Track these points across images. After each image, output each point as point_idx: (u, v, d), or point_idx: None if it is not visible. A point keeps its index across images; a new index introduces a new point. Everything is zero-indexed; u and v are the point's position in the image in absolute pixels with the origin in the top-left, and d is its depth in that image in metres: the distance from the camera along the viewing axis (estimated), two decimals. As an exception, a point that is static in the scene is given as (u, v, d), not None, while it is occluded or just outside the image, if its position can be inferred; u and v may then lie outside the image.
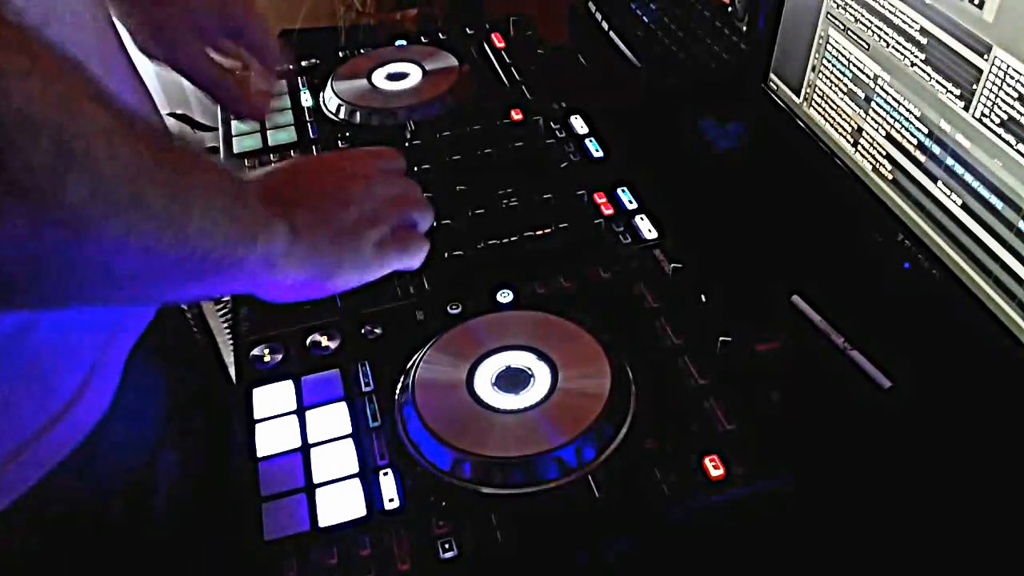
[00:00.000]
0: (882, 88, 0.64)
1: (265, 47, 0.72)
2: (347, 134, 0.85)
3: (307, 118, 0.88)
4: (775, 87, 0.80)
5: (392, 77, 0.90)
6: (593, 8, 1.05)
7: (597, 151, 0.81)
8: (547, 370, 0.58)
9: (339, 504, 0.53)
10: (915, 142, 0.61)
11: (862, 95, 0.67)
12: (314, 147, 0.84)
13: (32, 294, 0.38)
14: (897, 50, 0.62)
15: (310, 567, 0.50)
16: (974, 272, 0.57)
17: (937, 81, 0.58)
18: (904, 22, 0.60)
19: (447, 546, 0.50)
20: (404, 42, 0.98)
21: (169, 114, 1.07)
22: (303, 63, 0.96)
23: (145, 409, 0.62)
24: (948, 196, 0.59)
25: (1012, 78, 0.51)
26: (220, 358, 0.86)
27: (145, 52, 0.68)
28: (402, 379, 0.59)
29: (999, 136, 0.53)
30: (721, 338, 0.60)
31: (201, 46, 0.68)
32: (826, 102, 0.72)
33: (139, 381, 0.60)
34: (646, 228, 0.72)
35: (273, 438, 0.57)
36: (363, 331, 0.64)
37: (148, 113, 0.58)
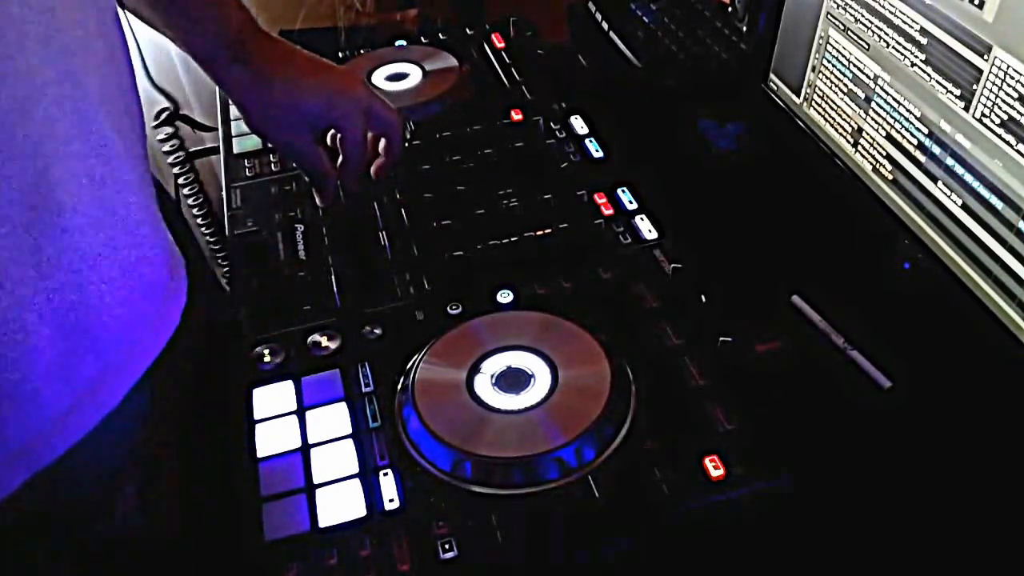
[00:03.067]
0: (882, 88, 0.64)
1: (390, 156, 0.75)
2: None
3: (307, 118, 0.88)
4: (775, 87, 0.80)
5: (392, 77, 0.90)
6: (593, 8, 1.05)
7: (597, 151, 0.81)
8: (547, 370, 0.58)
9: (339, 504, 0.53)
10: (915, 142, 0.61)
11: (862, 95, 0.67)
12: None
13: None
14: (897, 50, 0.62)
15: (310, 567, 0.50)
16: (974, 272, 0.57)
17: (937, 81, 0.58)
18: (904, 22, 0.60)
19: (447, 546, 0.50)
20: (404, 42, 0.98)
21: (168, 113, 1.07)
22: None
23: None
24: (948, 196, 0.59)
25: (1012, 78, 0.51)
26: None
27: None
28: (402, 379, 0.59)
29: (999, 136, 0.53)
30: (721, 338, 0.60)
31: (307, 133, 0.70)
32: (826, 102, 0.72)
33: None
34: (646, 228, 0.72)
35: (273, 438, 0.57)
36: (363, 331, 0.64)
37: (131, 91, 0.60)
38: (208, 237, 1.13)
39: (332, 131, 0.73)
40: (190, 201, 1.08)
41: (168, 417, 0.64)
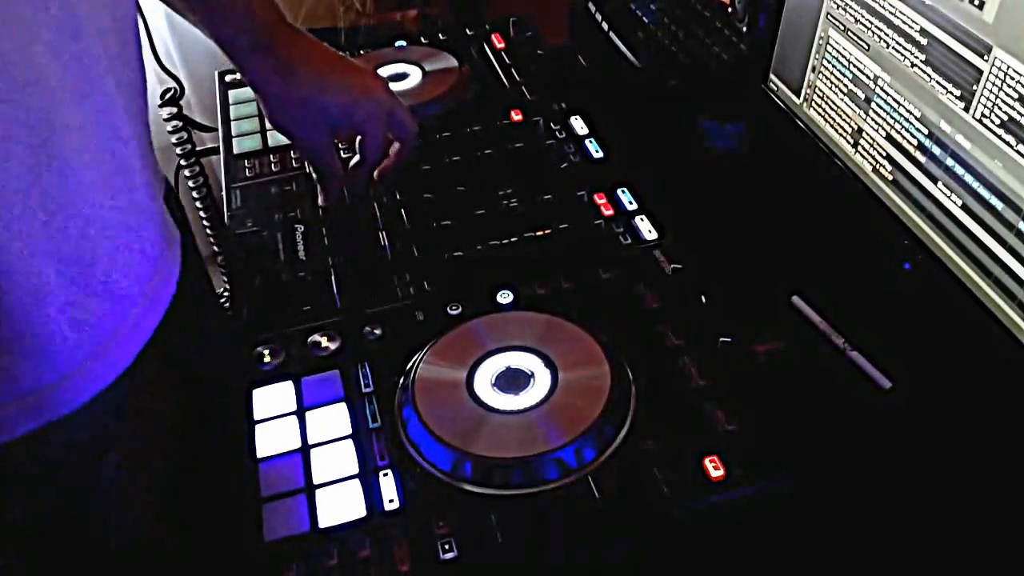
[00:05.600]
0: (882, 89, 0.64)
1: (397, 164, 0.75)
2: (347, 135, 0.85)
3: (307, 119, 0.88)
4: (775, 88, 0.80)
5: (392, 78, 0.90)
6: (593, 8, 1.05)
7: (597, 152, 0.81)
8: (547, 371, 0.58)
9: (339, 505, 0.53)
10: (915, 143, 0.61)
11: (862, 96, 0.67)
12: (314, 148, 0.84)
13: None
14: (897, 51, 0.62)
15: (310, 568, 0.50)
16: (974, 272, 0.57)
17: (937, 82, 0.58)
18: (904, 23, 0.60)
19: (447, 547, 0.50)
20: (404, 43, 0.98)
21: (168, 113, 1.07)
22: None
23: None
24: (948, 197, 0.59)
25: (1012, 79, 0.51)
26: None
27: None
28: (402, 380, 0.59)
29: (999, 137, 0.53)
30: (721, 338, 0.60)
31: (327, 131, 0.70)
32: (826, 103, 0.72)
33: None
34: (646, 229, 0.72)
35: (273, 439, 0.57)
36: (363, 332, 0.64)
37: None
38: (202, 214, 1.13)
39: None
40: (191, 183, 1.08)
41: (163, 394, 0.65)
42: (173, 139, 1.06)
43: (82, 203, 0.51)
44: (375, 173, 0.75)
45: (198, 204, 1.12)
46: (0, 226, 0.47)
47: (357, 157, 0.73)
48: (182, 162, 1.05)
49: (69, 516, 0.60)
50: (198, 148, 1.09)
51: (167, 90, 1.03)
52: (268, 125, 0.87)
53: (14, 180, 0.47)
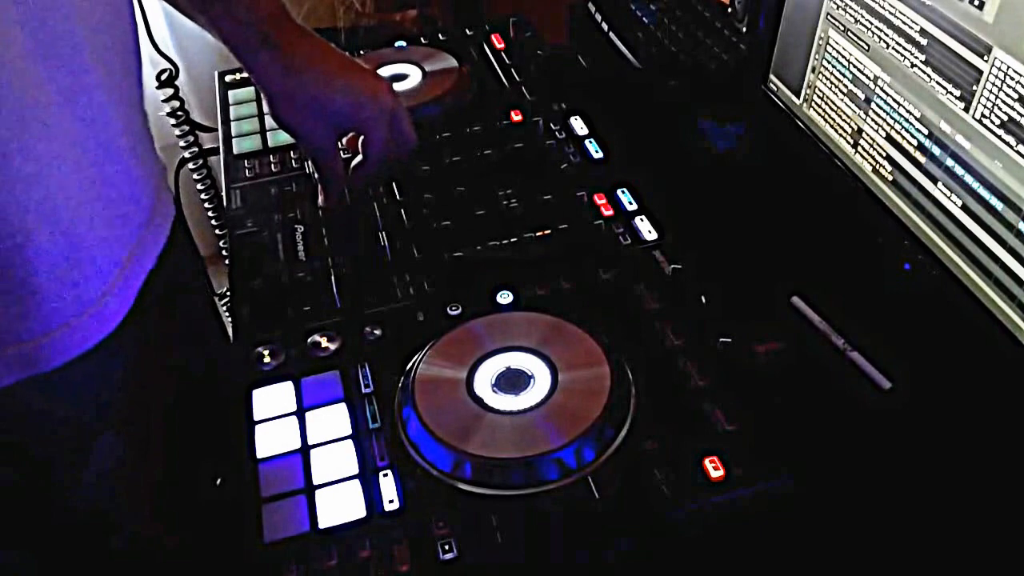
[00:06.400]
0: (882, 89, 0.64)
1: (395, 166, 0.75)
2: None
3: (307, 119, 0.88)
4: (775, 88, 0.80)
5: (392, 78, 0.90)
6: (593, 9, 1.05)
7: (597, 152, 0.81)
8: (547, 371, 0.58)
9: (339, 505, 0.53)
10: (915, 143, 0.61)
11: (862, 96, 0.67)
12: (314, 148, 0.84)
13: None
14: (897, 51, 0.62)
15: (310, 568, 0.50)
16: (974, 273, 0.57)
17: (937, 82, 0.58)
18: (904, 23, 0.60)
19: (447, 547, 0.50)
20: (404, 43, 0.98)
21: (169, 114, 1.07)
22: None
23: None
24: (948, 197, 0.59)
25: (1012, 79, 0.51)
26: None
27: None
28: (402, 380, 0.59)
29: (999, 137, 0.53)
30: (721, 339, 0.60)
31: (331, 131, 0.71)
32: (826, 103, 0.72)
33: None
34: (646, 229, 0.72)
35: (273, 439, 0.57)
36: (363, 332, 0.64)
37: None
38: (203, 195, 1.13)
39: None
40: (191, 166, 1.09)
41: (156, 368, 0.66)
42: (176, 132, 1.06)
43: (65, 164, 0.53)
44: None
45: (206, 204, 1.12)
46: None
47: (359, 157, 0.73)
48: (180, 144, 1.06)
49: (61, 494, 0.62)
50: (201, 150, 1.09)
51: (163, 71, 1.03)
52: (268, 125, 0.87)
53: None
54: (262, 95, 0.71)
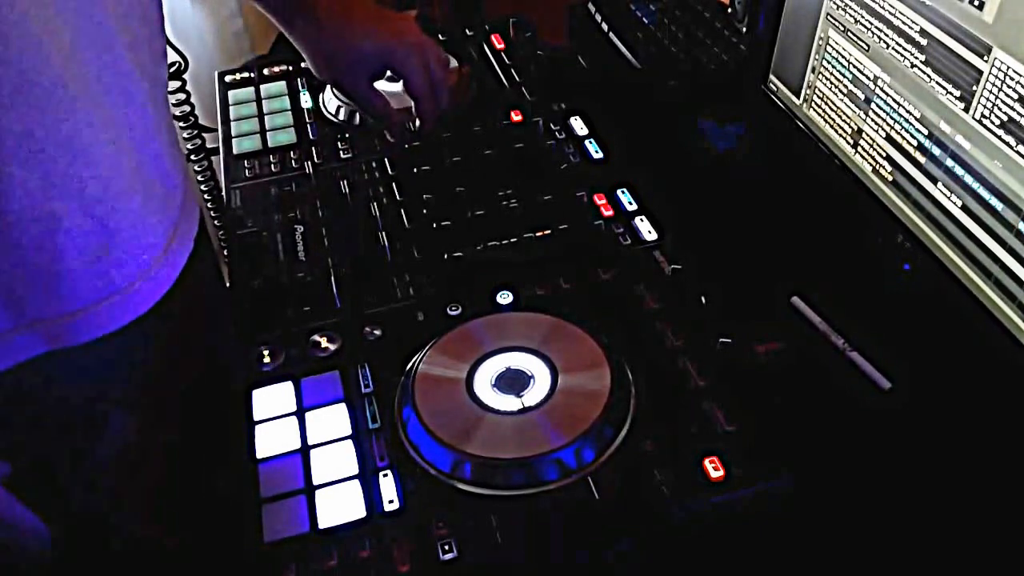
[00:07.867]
0: (882, 89, 0.64)
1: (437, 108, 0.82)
2: (346, 136, 0.85)
3: (306, 119, 0.88)
4: (775, 88, 0.80)
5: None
6: (593, 9, 1.05)
7: (597, 152, 0.81)
8: (547, 371, 0.58)
9: (339, 506, 0.53)
10: (915, 143, 0.61)
11: (862, 96, 0.67)
12: (313, 149, 0.84)
13: None
14: (897, 51, 0.62)
15: (310, 569, 0.50)
16: (974, 273, 0.57)
17: (937, 82, 0.58)
18: (904, 23, 0.60)
19: (447, 548, 0.50)
20: (404, 43, 0.98)
21: (175, 104, 1.07)
22: (303, 64, 0.96)
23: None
24: (948, 197, 0.59)
25: (1012, 79, 0.51)
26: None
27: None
28: (402, 380, 0.59)
29: (999, 137, 0.53)
30: (721, 339, 0.60)
31: (368, 78, 0.79)
32: (826, 103, 0.72)
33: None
34: (646, 229, 0.72)
35: (273, 439, 0.57)
36: (363, 332, 0.64)
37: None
38: (202, 187, 1.13)
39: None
40: (192, 158, 1.09)
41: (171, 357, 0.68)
42: (179, 125, 1.06)
43: (105, 148, 0.54)
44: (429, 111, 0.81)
45: (209, 204, 1.12)
46: (17, 164, 0.50)
47: (413, 100, 0.79)
48: (184, 135, 1.05)
49: (77, 464, 0.64)
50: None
51: (171, 64, 1.03)
52: (268, 125, 0.87)
53: (23, 124, 0.49)
54: (304, 57, 0.78)
